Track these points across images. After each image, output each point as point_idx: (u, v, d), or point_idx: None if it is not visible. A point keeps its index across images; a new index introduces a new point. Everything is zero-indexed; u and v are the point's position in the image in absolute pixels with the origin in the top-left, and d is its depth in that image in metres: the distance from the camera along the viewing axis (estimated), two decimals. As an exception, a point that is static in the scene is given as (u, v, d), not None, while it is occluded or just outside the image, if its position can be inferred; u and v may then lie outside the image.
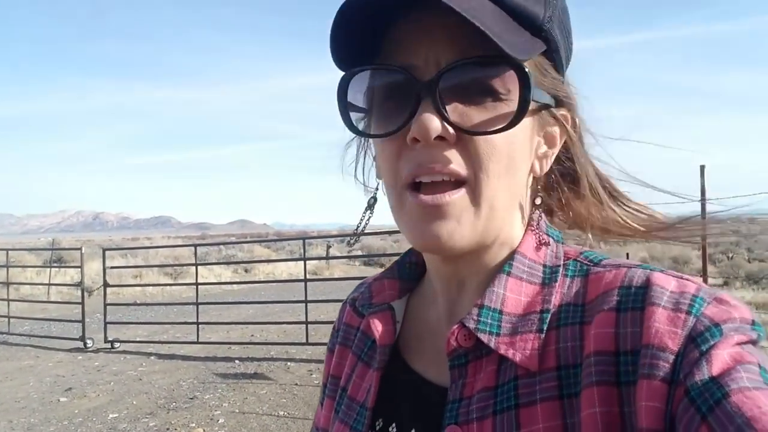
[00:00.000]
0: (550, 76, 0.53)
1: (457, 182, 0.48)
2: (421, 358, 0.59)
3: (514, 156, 0.50)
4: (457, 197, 0.48)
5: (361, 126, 0.54)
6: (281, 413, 5.12)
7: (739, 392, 0.38)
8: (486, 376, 0.50)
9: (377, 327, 0.60)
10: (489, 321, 0.51)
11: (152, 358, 7.44)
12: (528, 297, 0.52)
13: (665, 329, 0.43)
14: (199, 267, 8.63)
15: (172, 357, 7.46)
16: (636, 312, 0.45)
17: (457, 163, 0.48)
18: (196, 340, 7.85)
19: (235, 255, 21.38)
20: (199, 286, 8.40)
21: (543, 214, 0.59)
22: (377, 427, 0.58)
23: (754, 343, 0.43)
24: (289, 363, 6.87)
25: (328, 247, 19.94)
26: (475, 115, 0.47)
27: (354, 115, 0.53)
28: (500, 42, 0.44)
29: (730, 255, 15.61)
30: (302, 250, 8.04)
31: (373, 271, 18.33)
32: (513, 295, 0.52)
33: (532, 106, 0.49)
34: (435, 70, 0.47)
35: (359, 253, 21.52)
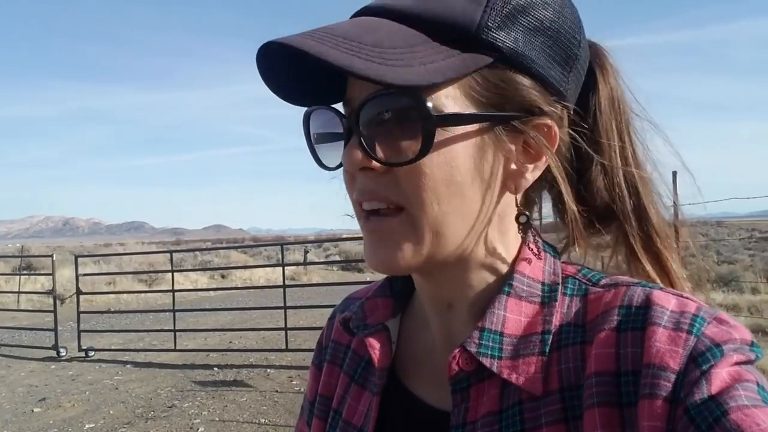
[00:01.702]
0: (513, 86, 0.48)
1: (398, 208, 0.49)
2: (420, 382, 0.58)
3: (458, 180, 0.48)
4: (395, 223, 0.49)
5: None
6: (262, 421, 5.08)
7: (737, 410, 0.39)
8: (489, 401, 0.50)
9: (375, 349, 0.58)
10: (490, 344, 0.50)
11: (128, 366, 7.31)
12: (528, 317, 0.51)
13: (666, 349, 0.43)
14: (174, 273, 8.53)
15: (148, 365, 7.34)
16: (636, 332, 0.45)
17: (390, 191, 0.48)
18: (173, 348, 7.73)
19: (212, 261, 21.13)
20: (175, 293, 8.28)
21: (536, 231, 0.55)
22: None
23: (752, 363, 0.44)
24: (268, 370, 6.82)
25: (306, 252, 19.83)
26: (391, 147, 0.47)
27: (319, 147, 0.54)
28: (376, 77, 0.43)
29: (702, 257, 16.02)
30: (279, 256, 8.00)
31: (351, 276, 18.29)
32: (513, 315, 0.51)
33: (472, 126, 0.47)
34: (357, 105, 0.48)
35: (337, 258, 21.48)
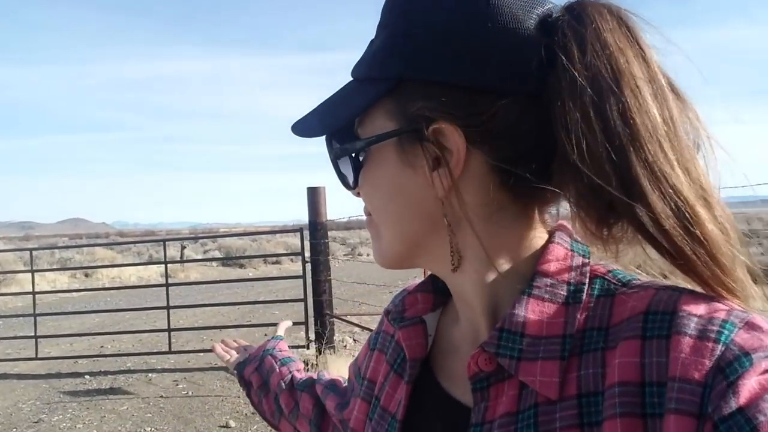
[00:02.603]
0: (405, 101, 0.52)
1: (369, 213, 0.60)
2: (448, 376, 0.60)
3: (388, 191, 0.55)
4: (371, 226, 0.60)
5: None
6: (148, 429, 4.72)
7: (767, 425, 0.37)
8: (508, 401, 0.50)
9: (407, 341, 0.61)
10: (510, 345, 0.50)
11: (-23, 380, 6.42)
12: (551, 318, 0.50)
13: (692, 360, 0.41)
14: (27, 273, 7.58)
15: (5, 377, 6.50)
16: (662, 340, 0.43)
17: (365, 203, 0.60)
18: (34, 356, 6.91)
19: (72, 258, 19.20)
20: (28, 295, 7.38)
21: (566, 228, 0.55)
22: None
23: None
24: (150, 374, 6.36)
25: (183, 247, 18.77)
26: (342, 175, 0.61)
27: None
28: (304, 133, 0.59)
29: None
30: (150, 253, 7.46)
31: (233, 273, 17.68)
32: (534, 316, 0.50)
33: (385, 145, 0.54)
34: None
35: (217, 254, 20.59)
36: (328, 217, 6.31)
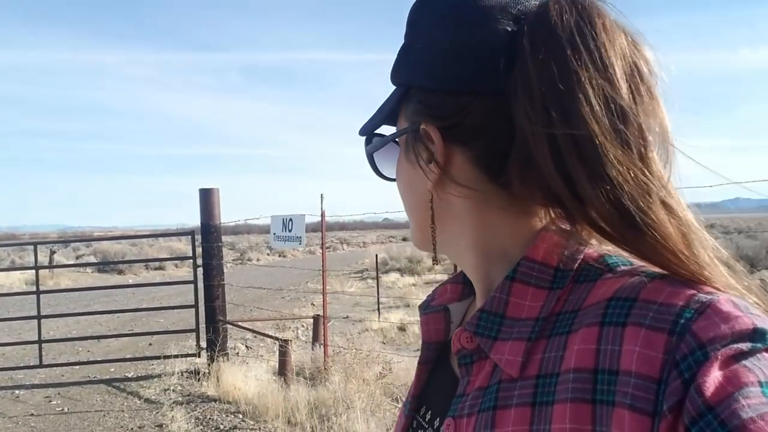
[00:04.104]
0: (405, 105, 0.59)
1: None
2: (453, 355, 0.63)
3: (402, 183, 0.63)
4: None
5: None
6: (16, 451, 4.29)
7: (743, 428, 0.34)
8: (483, 377, 0.53)
9: (425, 326, 0.67)
10: (488, 325, 0.53)
11: None
12: (533, 302, 0.52)
13: (645, 353, 0.40)
14: None
15: None
16: (618, 328, 0.43)
17: None
18: None
19: None
20: None
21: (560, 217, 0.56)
22: (421, 412, 0.65)
23: (756, 353, 0.37)
24: (17, 391, 5.76)
25: (52, 252, 17.10)
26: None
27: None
28: (360, 133, 0.67)
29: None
30: (16, 257, 6.79)
31: (111, 279, 16.42)
32: (517, 299, 0.52)
33: (398, 145, 0.63)
34: None
35: (92, 259, 19.02)
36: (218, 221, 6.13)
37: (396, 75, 0.60)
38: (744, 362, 0.37)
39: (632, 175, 0.44)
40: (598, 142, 0.44)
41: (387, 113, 0.63)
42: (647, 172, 0.45)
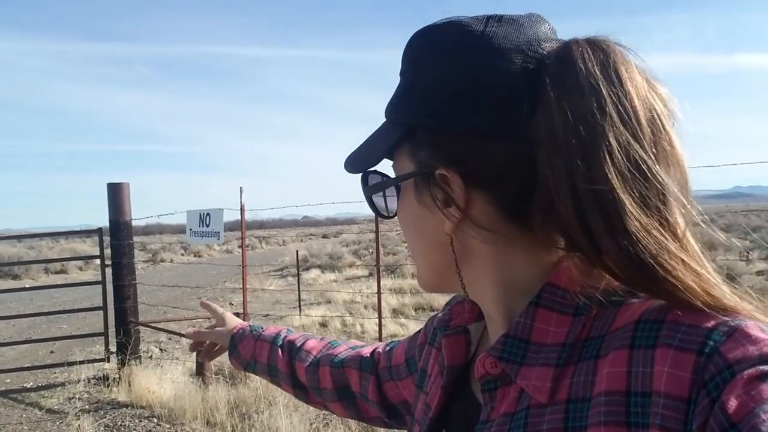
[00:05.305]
0: (415, 148, 0.56)
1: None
2: (474, 380, 0.63)
3: (409, 225, 0.61)
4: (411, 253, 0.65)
5: None
6: None
7: None
8: (508, 403, 0.53)
9: (448, 350, 0.66)
10: (513, 350, 0.53)
11: None
12: (558, 327, 0.52)
13: (674, 374, 0.41)
14: None
15: None
16: (648, 350, 0.43)
17: None
18: None
19: None
20: None
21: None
22: None
23: None
24: None
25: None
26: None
27: None
28: (352, 170, 0.64)
29: (371, 250, 18.52)
30: None
31: (3, 284, 15.03)
32: (541, 325, 0.52)
33: (406, 186, 0.59)
34: None
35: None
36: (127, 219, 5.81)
37: (396, 113, 0.58)
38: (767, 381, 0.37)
39: (650, 231, 0.45)
40: (618, 198, 0.44)
41: (384, 151, 0.60)
42: (666, 229, 0.45)
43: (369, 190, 0.64)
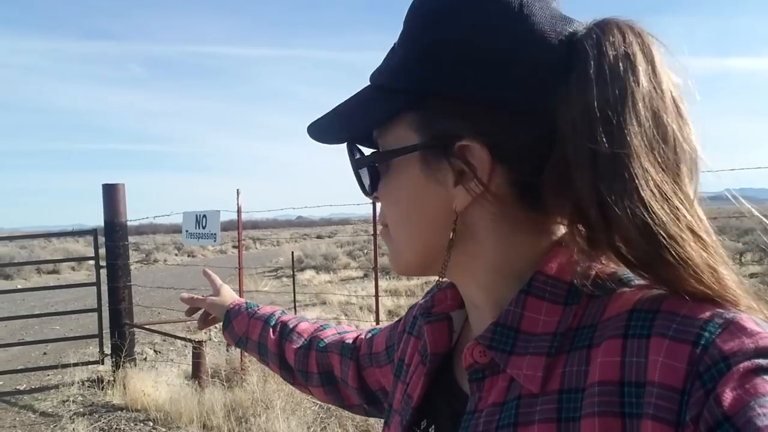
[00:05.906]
0: (429, 116, 0.52)
1: (385, 224, 0.61)
2: (459, 369, 0.63)
3: (405, 202, 0.56)
4: (385, 235, 0.61)
5: None
6: None
7: None
8: (497, 392, 0.52)
9: (431, 336, 0.64)
10: (503, 339, 0.52)
11: None
12: (548, 317, 0.51)
13: (669, 364, 0.40)
14: None
15: None
16: (642, 340, 0.43)
17: (383, 212, 0.61)
18: None
19: None
20: None
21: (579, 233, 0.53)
22: (422, 426, 0.63)
23: None
24: None
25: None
26: (363, 181, 0.61)
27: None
28: (336, 137, 0.60)
29: (365, 251, 18.48)
30: None
31: (-5, 285, 14.95)
32: (531, 314, 0.51)
33: (408, 158, 0.54)
34: None
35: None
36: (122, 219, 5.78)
37: (401, 80, 0.54)
38: (764, 376, 0.37)
39: (664, 197, 0.44)
40: (636, 157, 0.44)
41: (380, 119, 0.55)
42: (679, 196, 0.45)
43: (362, 161, 0.58)
